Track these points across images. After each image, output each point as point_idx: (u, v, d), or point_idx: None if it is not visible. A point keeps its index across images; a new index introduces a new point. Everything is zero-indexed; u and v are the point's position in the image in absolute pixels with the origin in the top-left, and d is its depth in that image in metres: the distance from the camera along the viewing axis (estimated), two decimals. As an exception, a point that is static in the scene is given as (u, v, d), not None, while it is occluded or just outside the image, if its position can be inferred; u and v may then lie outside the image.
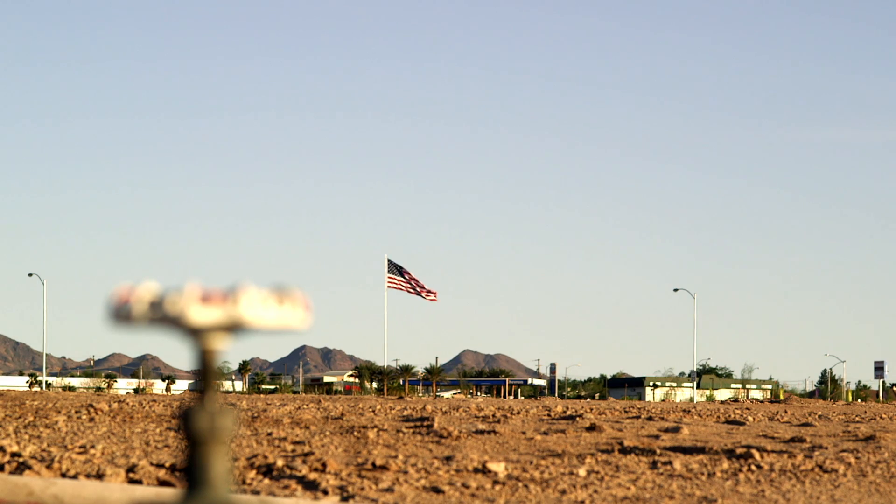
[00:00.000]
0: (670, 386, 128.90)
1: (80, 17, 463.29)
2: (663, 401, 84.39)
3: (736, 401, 77.94)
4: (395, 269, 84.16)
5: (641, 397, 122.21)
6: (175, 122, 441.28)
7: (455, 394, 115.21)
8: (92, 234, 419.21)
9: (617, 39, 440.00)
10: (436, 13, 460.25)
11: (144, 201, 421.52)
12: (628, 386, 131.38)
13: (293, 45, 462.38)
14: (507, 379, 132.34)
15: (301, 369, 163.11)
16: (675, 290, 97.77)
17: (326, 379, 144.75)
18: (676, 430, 13.19)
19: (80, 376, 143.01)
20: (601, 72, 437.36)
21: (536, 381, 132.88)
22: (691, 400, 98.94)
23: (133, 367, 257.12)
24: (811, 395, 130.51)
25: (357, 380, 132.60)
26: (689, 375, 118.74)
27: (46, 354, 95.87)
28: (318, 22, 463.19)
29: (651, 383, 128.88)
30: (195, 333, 2.40)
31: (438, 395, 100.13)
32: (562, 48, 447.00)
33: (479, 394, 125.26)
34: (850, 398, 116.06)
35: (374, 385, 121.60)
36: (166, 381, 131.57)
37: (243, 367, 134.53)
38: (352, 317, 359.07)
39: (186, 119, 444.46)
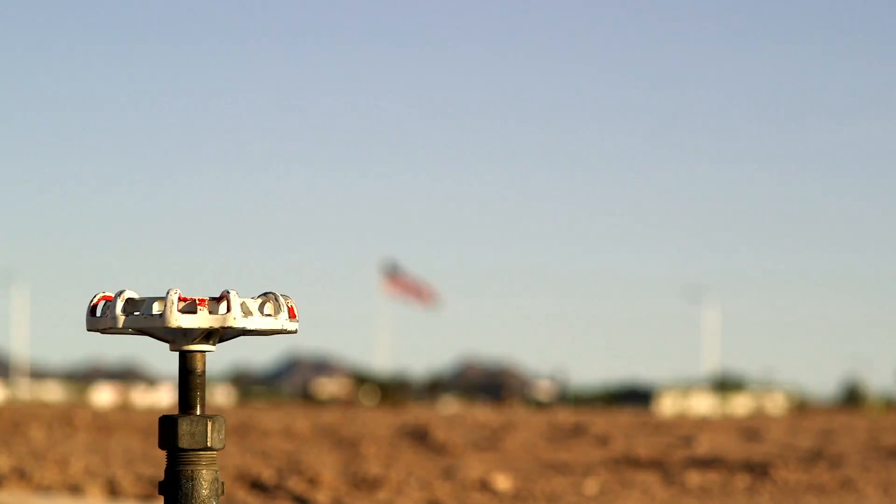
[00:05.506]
0: (684, 396, 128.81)
1: (73, 17, 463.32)
2: (677, 412, 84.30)
3: (754, 411, 77.88)
4: (395, 273, 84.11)
5: (653, 408, 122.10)
6: (164, 124, 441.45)
7: (456, 404, 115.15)
8: (75, 238, 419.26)
9: (625, 28, 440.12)
10: (433, 11, 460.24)
11: (130, 204, 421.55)
12: (639, 396, 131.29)
13: (286, 45, 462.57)
14: (510, 389, 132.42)
15: (293, 378, 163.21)
16: (689, 296, 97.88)
17: (320, 388, 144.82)
18: (691, 442, 13.22)
19: (59, 384, 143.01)
20: (607, 63, 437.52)
21: (542, 392, 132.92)
22: (706, 411, 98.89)
23: (115, 376, 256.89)
24: (834, 405, 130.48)
25: (352, 389, 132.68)
26: (705, 385, 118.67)
27: (24, 361, 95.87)
28: (312, 22, 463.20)
29: (664, 393, 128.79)
30: (181, 340, 2.42)
31: (438, 406, 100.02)
32: (564, 38, 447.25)
33: (481, 404, 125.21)
34: (876, 408, 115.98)
35: (371, 395, 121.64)
36: (150, 390, 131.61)
37: (232, 376, 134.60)
38: (347, 324, 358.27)
39: (176, 121, 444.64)
